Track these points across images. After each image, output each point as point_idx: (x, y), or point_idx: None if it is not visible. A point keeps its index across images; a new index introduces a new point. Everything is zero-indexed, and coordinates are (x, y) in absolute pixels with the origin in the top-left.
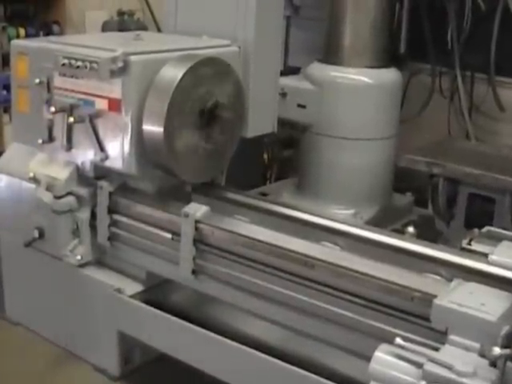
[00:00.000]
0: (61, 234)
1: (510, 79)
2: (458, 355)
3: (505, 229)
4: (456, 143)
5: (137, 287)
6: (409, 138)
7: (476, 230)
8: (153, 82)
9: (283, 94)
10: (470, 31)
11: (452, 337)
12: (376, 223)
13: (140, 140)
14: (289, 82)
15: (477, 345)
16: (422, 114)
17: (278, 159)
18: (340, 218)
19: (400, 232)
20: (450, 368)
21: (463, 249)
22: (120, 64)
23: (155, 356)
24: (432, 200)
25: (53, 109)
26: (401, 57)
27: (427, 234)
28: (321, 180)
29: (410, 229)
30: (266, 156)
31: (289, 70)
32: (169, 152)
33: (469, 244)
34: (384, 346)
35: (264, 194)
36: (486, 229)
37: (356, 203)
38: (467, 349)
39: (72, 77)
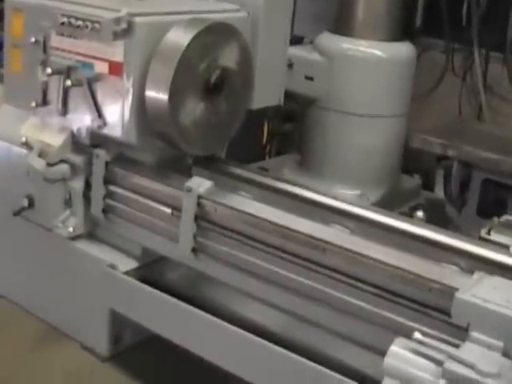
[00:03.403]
0: (52, 204)
1: None
2: (479, 354)
3: None
4: (471, 125)
5: (131, 264)
6: (416, 117)
7: (495, 219)
8: (158, 46)
9: (289, 65)
10: (487, 7)
11: (474, 334)
12: (382, 205)
13: (141, 107)
14: (296, 52)
15: (500, 343)
16: (434, 92)
17: (278, 133)
18: (347, 198)
19: (408, 216)
20: (472, 367)
21: (482, 239)
22: (124, 25)
23: (146, 337)
24: (444, 184)
25: (49, 70)
26: (413, 31)
27: (436, 219)
28: (325, 157)
29: (419, 213)
30: (265, 130)
31: (293, 40)
32: (172, 121)
33: (488, 234)
34: (400, 340)
35: (263, 169)
36: (504, 218)
37: (362, 184)
38: (490, 347)
39: (70, 37)
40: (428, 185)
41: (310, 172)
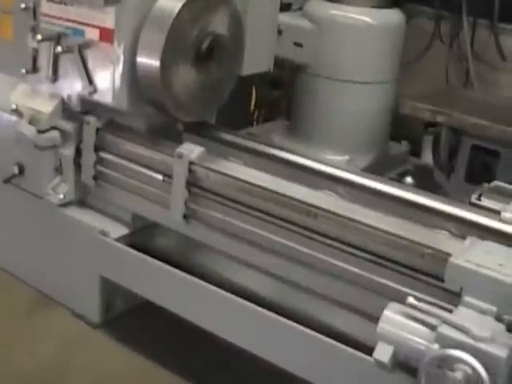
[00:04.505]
0: (42, 171)
1: None
2: (473, 318)
3: (510, 184)
4: (459, 92)
5: (122, 230)
6: (403, 84)
7: (485, 185)
8: (149, 12)
9: (278, 32)
10: None
11: (467, 298)
12: (371, 171)
13: (132, 74)
14: (285, 18)
15: (493, 308)
16: (420, 59)
17: (265, 100)
18: (335, 164)
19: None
20: (465, 332)
21: (473, 204)
22: None
23: (138, 304)
24: (433, 151)
25: (39, 37)
26: None
27: (425, 185)
28: (314, 124)
29: (408, 179)
30: (253, 96)
31: (280, 7)
32: (164, 87)
33: (478, 199)
34: (394, 305)
35: (252, 136)
36: (493, 184)
37: (351, 149)
38: (483, 312)
39: (61, 3)
40: (415, 151)
41: (298, 138)
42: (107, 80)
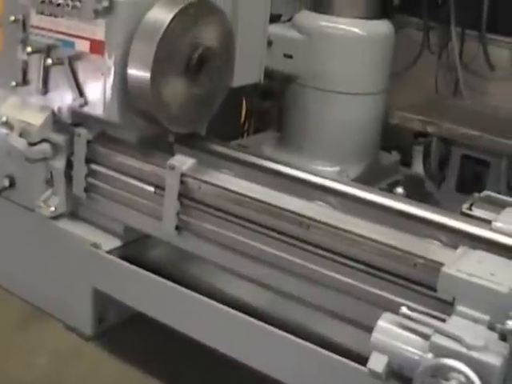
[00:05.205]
0: (34, 184)
1: (502, 37)
2: (465, 327)
3: (499, 193)
4: (449, 102)
5: (114, 242)
6: (394, 94)
7: (476, 195)
8: (140, 24)
9: (269, 43)
10: None
11: (460, 308)
12: (362, 182)
13: (123, 85)
14: (275, 29)
15: (486, 317)
16: (410, 70)
17: (256, 111)
18: (326, 175)
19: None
20: (458, 341)
21: (464, 214)
22: (105, 3)
23: (130, 316)
24: (424, 161)
25: (29, 49)
26: (391, 9)
27: (415, 195)
28: (305, 135)
29: (399, 189)
30: (244, 107)
31: (270, 18)
32: (155, 99)
33: (469, 209)
34: (387, 315)
35: (242, 147)
36: (484, 193)
37: (342, 160)
38: (476, 321)
39: (51, 15)
40: (406, 161)
41: (289, 149)
42: (98, 92)
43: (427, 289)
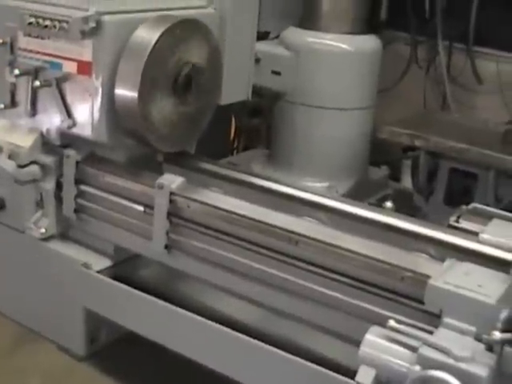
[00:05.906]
0: (23, 206)
1: (490, 50)
2: (453, 339)
3: (487, 206)
4: (437, 116)
5: (105, 262)
6: (382, 109)
7: (464, 207)
8: (127, 44)
9: (256, 60)
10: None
11: (447, 319)
12: (351, 197)
13: (111, 106)
14: (263, 47)
15: (473, 328)
16: (398, 84)
17: (245, 128)
18: (316, 191)
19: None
20: (446, 352)
21: (451, 226)
22: (92, 24)
23: (122, 335)
24: (412, 174)
25: (16, 71)
26: (378, 24)
27: (405, 209)
28: (294, 151)
29: (388, 204)
30: (233, 125)
31: (258, 35)
32: (143, 118)
33: (456, 221)
34: (375, 329)
35: (232, 165)
36: (471, 206)
37: (331, 176)
38: (463, 332)
39: (38, 37)
40: (395, 176)
41: (278, 166)
42: (86, 113)
43: (415, 301)
